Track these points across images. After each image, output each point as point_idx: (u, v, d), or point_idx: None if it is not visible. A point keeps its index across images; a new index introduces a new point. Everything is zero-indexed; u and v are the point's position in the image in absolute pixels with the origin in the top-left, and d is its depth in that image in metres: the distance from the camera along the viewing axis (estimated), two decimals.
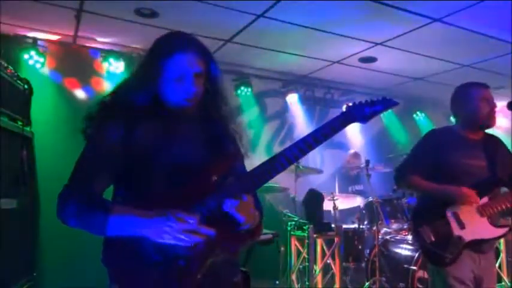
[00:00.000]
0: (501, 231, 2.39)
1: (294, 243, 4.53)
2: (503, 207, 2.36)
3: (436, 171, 2.43)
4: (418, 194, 2.80)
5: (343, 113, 1.46)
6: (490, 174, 2.43)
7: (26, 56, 4.48)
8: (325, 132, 1.41)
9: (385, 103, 1.48)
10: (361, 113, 1.46)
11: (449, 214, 2.37)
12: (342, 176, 5.66)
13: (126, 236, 1.29)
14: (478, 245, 2.35)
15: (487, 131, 2.56)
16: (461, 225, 2.34)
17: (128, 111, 1.42)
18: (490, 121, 2.47)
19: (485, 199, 2.37)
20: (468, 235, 2.32)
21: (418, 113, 7.12)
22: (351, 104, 1.48)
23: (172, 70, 1.42)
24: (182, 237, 1.25)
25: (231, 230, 1.37)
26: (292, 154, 1.39)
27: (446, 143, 2.46)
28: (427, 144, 2.54)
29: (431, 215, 2.42)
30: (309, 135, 1.40)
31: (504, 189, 2.47)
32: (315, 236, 4.25)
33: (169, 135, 1.43)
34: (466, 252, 2.33)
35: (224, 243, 1.36)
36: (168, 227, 1.24)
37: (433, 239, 2.38)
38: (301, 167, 4.63)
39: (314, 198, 4.40)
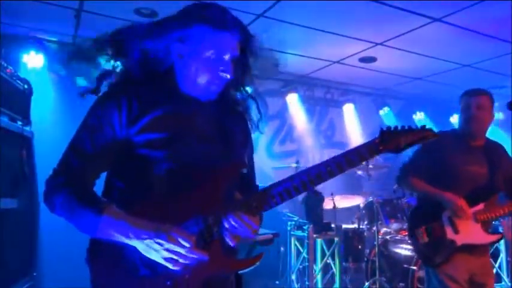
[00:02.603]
0: (493, 237, 2.46)
1: (294, 243, 4.53)
2: (497, 214, 2.41)
3: (437, 175, 2.46)
4: (418, 195, 2.82)
5: (374, 140, 1.26)
6: (489, 181, 2.46)
7: (26, 56, 4.47)
8: (350, 159, 1.23)
9: (423, 134, 1.28)
10: (396, 144, 1.26)
11: (444, 218, 2.40)
12: (348, 177, 5.67)
13: (114, 242, 1.17)
14: (470, 249, 2.38)
15: (489, 136, 2.58)
16: (455, 230, 2.38)
17: (134, 93, 1.26)
18: (472, 128, 2.48)
19: (480, 206, 2.40)
20: (460, 239, 2.36)
21: (417, 113, 7.12)
22: (385, 129, 1.27)
23: (211, 47, 1.26)
24: (171, 257, 1.13)
25: (227, 254, 1.26)
26: (309, 179, 1.22)
27: (449, 148, 2.48)
28: (430, 146, 2.53)
29: (428, 217, 2.46)
30: (331, 160, 1.23)
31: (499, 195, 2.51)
32: (314, 236, 4.26)
33: (178, 128, 1.27)
34: (459, 253, 2.36)
35: (218, 268, 1.24)
36: (158, 245, 1.12)
37: (426, 240, 2.43)
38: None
39: (314, 199, 4.40)
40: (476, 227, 2.38)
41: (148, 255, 1.16)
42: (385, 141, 1.25)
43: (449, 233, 2.38)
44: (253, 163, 1.51)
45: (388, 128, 1.28)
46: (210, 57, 1.27)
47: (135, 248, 1.16)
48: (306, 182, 1.23)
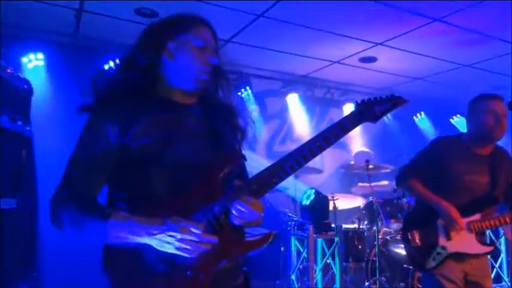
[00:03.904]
0: (485, 249, 2.42)
1: (294, 243, 4.54)
2: (492, 225, 2.38)
3: (436, 180, 2.43)
4: (416, 198, 2.81)
5: (353, 112, 1.37)
6: (489, 191, 2.41)
7: (26, 56, 4.48)
8: (335, 132, 1.33)
9: (395, 101, 1.40)
10: (372, 112, 1.38)
11: (439, 223, 2.39)
12: (346, 175, 5.68)
13: (127, 244, 1.20)
14: (463, 256, 2.36)
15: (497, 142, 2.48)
16: (448, 237, 2.36)
17: (124, 102, 1.32)
18: (494, 134, 2.37)
19: (476, 216, 2.37)
20: (453, 247, 2.35)
21: (417, 113, 7.12)
22: (360, 102, 1.40)
23: (196, 38, 1.38)
24: (184, 247, 1.17)
25: (238, 238, 1.34)
26: (301, 155, 1.31)
27: (451, 155, 2.42)
28: (432, 152, 2.51)
29: (423, 221, 2.45)
30: (318, 136, 1.32)
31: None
32: (315, 236, 4.25)
33: (170, 130, 1.33)
34: (451, 259, 2.34)
35: (231, 251, 1.31)
36: (169, 237, 1.16)
37: (418, 244, 2.42)
38: None
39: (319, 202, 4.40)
40: (469, 237, 2.36)
41: (162, 249, 1.19)
42: (362, 111, 1.37)
43: (442, 239, 2.36)
44: (245, 164, 1.54)
45: (362, 100, 1.40)
46: (195, 46, 1.38)
47: (148, 245, 1.19)
48: (299, 159, 1.31)
